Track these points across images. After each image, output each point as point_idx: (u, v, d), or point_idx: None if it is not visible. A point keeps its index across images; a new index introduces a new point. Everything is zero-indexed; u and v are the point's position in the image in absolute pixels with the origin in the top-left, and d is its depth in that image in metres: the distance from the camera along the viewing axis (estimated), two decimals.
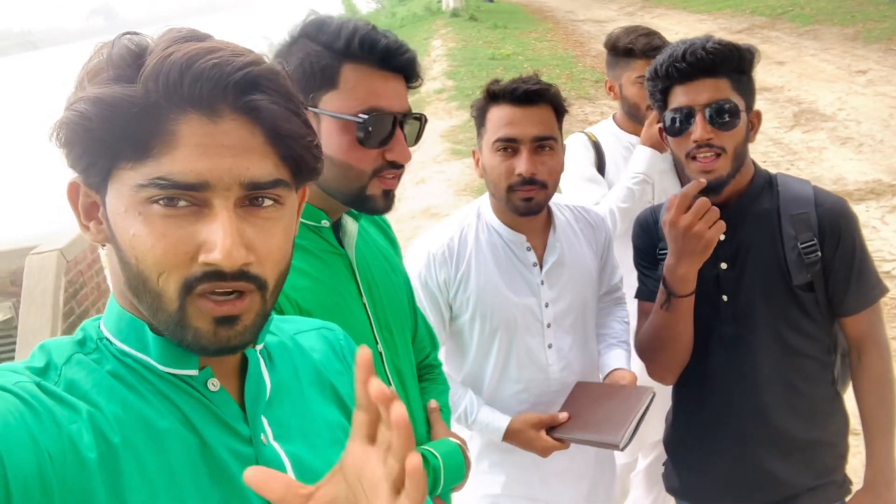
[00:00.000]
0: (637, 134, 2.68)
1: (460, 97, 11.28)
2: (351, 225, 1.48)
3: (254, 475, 0.70)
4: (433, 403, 1.67)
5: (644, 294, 2.07)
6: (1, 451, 0.68)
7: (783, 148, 7.84)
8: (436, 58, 15.36)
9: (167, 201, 0.77)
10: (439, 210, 6.97)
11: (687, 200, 1.67)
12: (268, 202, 0.82)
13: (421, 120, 1.43)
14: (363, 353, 0.71)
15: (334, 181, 1.37)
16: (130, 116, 0.75)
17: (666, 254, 1.92)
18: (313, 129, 0.87)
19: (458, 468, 1.55)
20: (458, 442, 1.60)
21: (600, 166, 2.67)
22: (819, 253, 1.75)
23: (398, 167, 1.38)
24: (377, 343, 1.48)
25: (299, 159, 0.85)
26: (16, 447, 0.69)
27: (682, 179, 2.69)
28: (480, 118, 1.93)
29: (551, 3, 27.06)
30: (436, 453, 1.51)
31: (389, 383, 1.49)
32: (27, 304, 5.62)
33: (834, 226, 1.76)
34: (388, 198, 1.41)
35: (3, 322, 6.14)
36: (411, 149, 1.42)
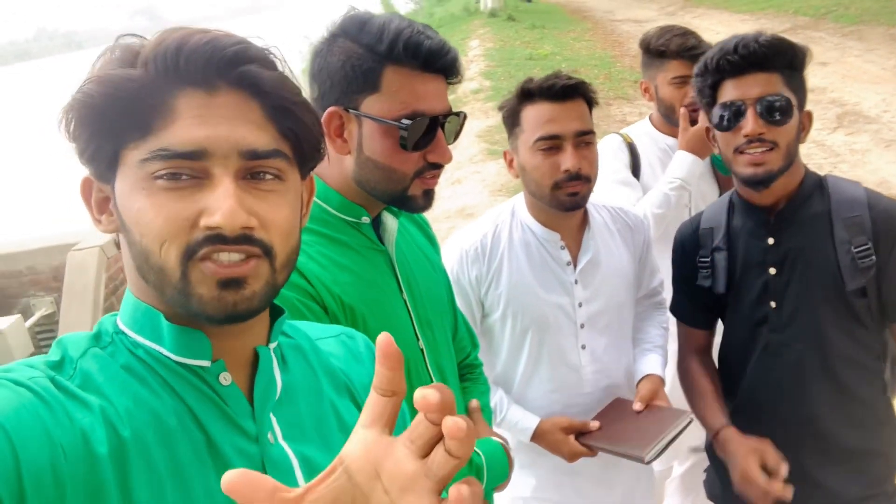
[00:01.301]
0: (674, 135, 2.63)
1: (497, 97, 11.24)
2: (391, 222, 1.47)
3: (231, 481, 0.59)
4: (474, 403, 1.65)
5: (678, 312, 2.05)
6: (15, 444, 0.69)
7: (826, 150, 7.70)
8: (473, 58, 15.34)
9: (170, 176, 0.79)
10: (475, 210, 6.96)
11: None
12: (269, 176, 0.84)
13: (460, 117, 1.42)
14: (385, 336, 0.64)
15: (377, 182, 1.37)
16: (131, 94, 0.78)
17: (707, 262, 1.88)
18: (312, 109, 0.88)
19: (501, 468, 1.54)
20: (501, 441, 1.59)
21: (635, 168, 2.64)
22: (874, 257, 1.69)
23: (439, 167, 1.38)
24: (418, 340, 1.47)
25: (299, 135, 0.86)
26: (30, 440, 0.70)
27: (720, 182, 2.64)
28: (513, 118, 1.90)
29: (590, 2, 26.90)
30: (480, 452, 1.50)
31: (431, 380, 1.48)
32: (68, 300, 5.72)
33: (889, 229, 1.70)
34: (429, 197, 1.40)
35: (44, 316, 6.26)
36: (450, 145, 1.41)
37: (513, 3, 24.88)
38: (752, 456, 1.73)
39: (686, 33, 2.62)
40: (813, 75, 10.43)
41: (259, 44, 0.85)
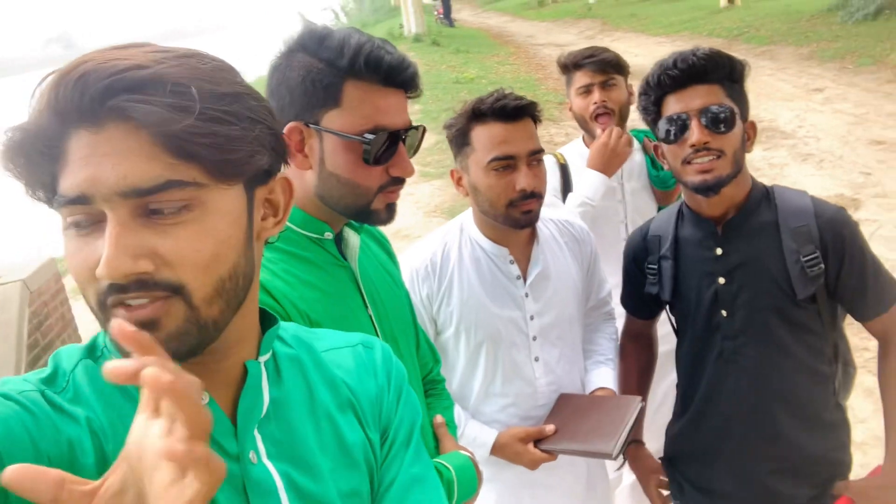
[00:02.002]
0: None
1: (426, 120, 11.32)
2: (353, 237, 1.46)
3: (8, 475, 0.57)
4: (439, 419, 1.64)
5: (627, 305, 2.12)
6: (2, 454, 0.69)
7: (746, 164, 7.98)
8: None
9: (75, 224, 0.78)
10: (410, 232, 6.96)
11: None
12: (170, 208, 0.77)
13: (419, 130, 1.42)
14: (126, 332, 0.63)
15: (340, 197, 1.36)
16: (33, 148, 0.77)
17: (654, 269, 1.93)
18: (229, 122, 0.79)
19: (470, 481, 1.54)
20: (469, 455, 1.58)
21: (566, 188, 2.67)
22: (822, 265, 1.74)
23: (401, 181, 1.38)
24: None
25: (203, 153, 0.77)
26: (16, 450, 0.70)
27: (657, 196, 2.70)
28: (462, 138, 1.90)
29: (512, 27, 27.40)
30: (449, 466, 1.49)
31: None
32: None
33: (837, 236, 1.74)
34: (391, 210, 1.40)
35: None
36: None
37: (436, 29, 25.14)
38: (651, 477, 2.08)
39: (591, 48, 2.70)
40: None
41: (150, 65, 0.76)
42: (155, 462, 0.58)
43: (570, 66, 2.66)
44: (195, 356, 0.81)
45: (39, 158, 0.77)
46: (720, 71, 1.73)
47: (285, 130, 1.32)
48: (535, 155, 1.87)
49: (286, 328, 1.02)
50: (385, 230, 1.66)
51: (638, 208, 2.68)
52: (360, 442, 0.98)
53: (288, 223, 1.37)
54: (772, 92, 10.97)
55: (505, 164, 1.84)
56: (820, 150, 8.09)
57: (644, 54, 15.61)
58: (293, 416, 0.93)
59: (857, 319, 1.86)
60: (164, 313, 0.77)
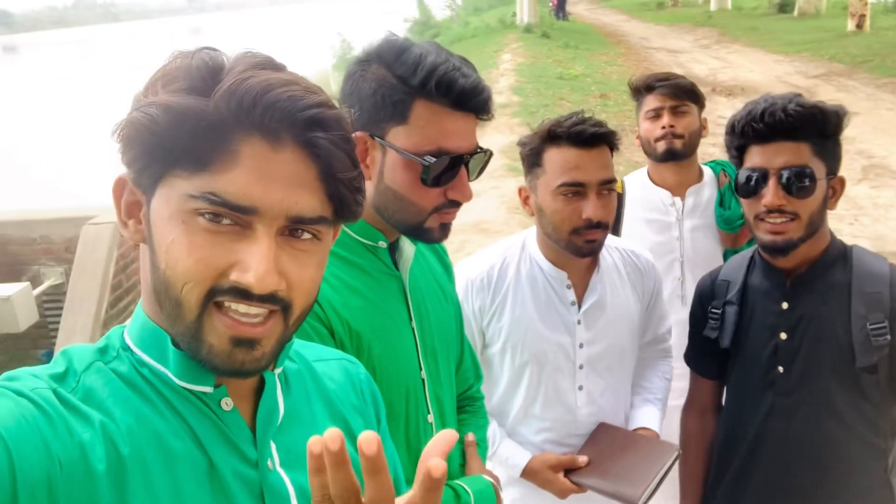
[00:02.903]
0: (668, 188, 2.57)
1: (524, 114, 11.26)
2: (408, 248, 1.47)
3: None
4: (470, 437, 1.64)
5: (689, 358, 2.05)
6: (13, 455, 0.68)
7: (849, 202, 7.64)
8: (504, 71, 15.37)
9: (213, 216, 0.78)
10: (490, 226, 6.95)
11: None
12: (307, 235, 0.83)
13: (486, 154, 1.40)
14: (370, 440, 0.65)
15: (394, 212, 1.37)
16: (197, 129, 0.77)
17: (717, 314, 1.87)
18: (361, 174, 0.87)
19: None
20: (492, 481, 1.57)
21: (617, 218, 2.58)
22: (888, 336, 1.66)
23: (458, 204, 1.37)
24: (421, 369, 1.47)
25: (344, 201, 0.85)
26: (28, 452, 0.70)
27: (722, 237, 2.58)
28: (535, 158, 1.88)
29: (626, 27, 26.93)
30: (468, 490, 1.48)
31: (429, 412, 1.48)
32: (78, 272, 5.74)
33: None
34: (445, 229, 1.40)
35: (53, 286, 6.29)
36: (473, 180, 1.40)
37: (549, 20, 24.92)
38: None
39: (666, 72, 2.62)
40: None
41: (335, 108, 0.84)
42: None
43: (641, 88, 2.57)
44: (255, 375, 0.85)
45: (201, 146, 0.77)
46: (810, 128, 1.65)
47: None
48: (607, 184, 1.83)
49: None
50: (465, 222, 1.65)
51: (698, 248, 2.56)
52: (352, 451, 1.00)
53: (346, 228, 1.40)
54: (888, 127, 10.47)
55: (574, 190, 1.81)
56: None
57: (759, 71, 15.12)
58: (300, 427, 0.96)
59: None
60: (268, 333, 0.82)
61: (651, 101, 2.54)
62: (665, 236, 2.54)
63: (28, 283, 6.09)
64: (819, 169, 1.67)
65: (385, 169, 1.34)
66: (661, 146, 2.52)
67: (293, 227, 0.82)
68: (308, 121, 0.80)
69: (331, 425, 0.99)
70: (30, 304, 6.00)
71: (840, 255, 1.76)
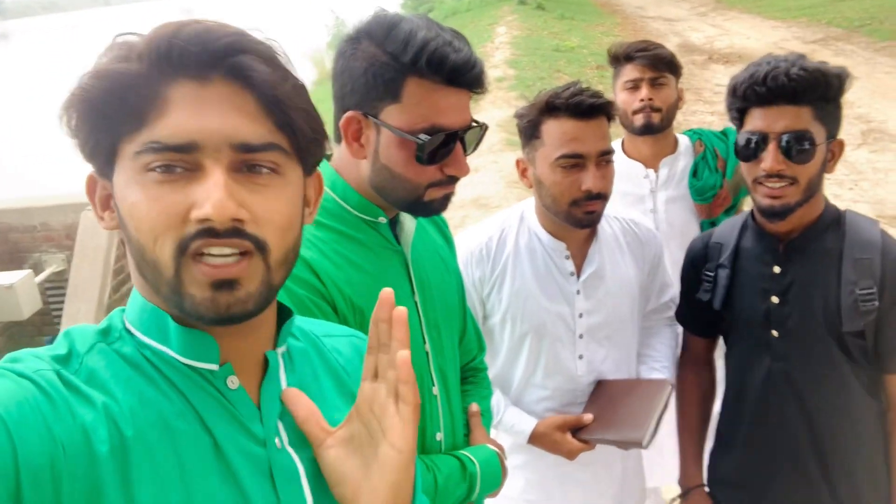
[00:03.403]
0: (642, 160, 2.56)
1: (521, 87, 11.20)
2: (409, 222, 1.47)
3: (289, 393, 0.91)
4: (474, 407, 1.65)
5: (681, 318, 2.09)
6: (14, 438, 0.68)
7: (848, 166, 7.64)
8: (499, 45, 15.26)
9: (163, 168, 0.78)
10: (489, 201, 6.94)
11: None
12: (265, 170, 0.82)
13: (481, 128, 1.40)
14: (388, 292, 0.87)
15: (392, 190, 1.37)
16: (126, 86, 0.78)
17: (710, 276, 1.89)
18: (312, 103, 0.87)
19: (494, 476, 1.55)
20: (496, 449, 1.59)
21: None
22: (876, 302, 1.66)
23: (455, 179, 1.37)
24: (425, 342, 1.48)
25: (296, 128, 0.84)
26: (30, 435, 0.69)
27: (698, 209, 2.56)
28: (533, 130, 1.87)
29: None
30: (474, 459, 1.51)
31: (433, 384, 1.49)
32: (79, 259, 5.75)
33: None
34: (445, 201, 1.40)
35: (55, 273, 6.31)
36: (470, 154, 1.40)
37: None
38: None
39: (645, 41, 2.57)
40: None
41: (256, 35, 0.83)
42: (384, 402, 0.87)
43: (620, 57, 2.53)
44: (254, 317, 0.84)
45: (131, 102, 0.78)
46: (812, 92, 1.64)
47: (343, 119, 1.34)
48: (605, 155, 1.83)
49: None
50: (464, 197, 1.66)
51: (672, 220, 2.54)
52: None
53: (345, 204, 1.40)
54: (887, 91, 10.42)
55: (573, 162, 1.81)
56: None
57: (756, 37, 15.02)
58: None
59: (883, 369, 1.76)
60: (247, 273, 0.80)
61: (630, 72, 2.51)
62: (638, 209, 2.50)
63: (30, 270, 6.10)
64: (819, 133, 1.66)
65: (380, 147, 1.34)
66: (638, 119, 2.49)
67: (246, 161, 0.81)
68: (227, 48, 0.80)
69: (340, 402, 1.00)
70: (32, 292, 6.02)
71: (833, 221, 1.76)
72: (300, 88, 0.86)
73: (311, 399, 0.96)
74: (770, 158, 1.65)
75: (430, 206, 1.39)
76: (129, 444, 0.77)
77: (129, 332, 0.86)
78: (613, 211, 2.07)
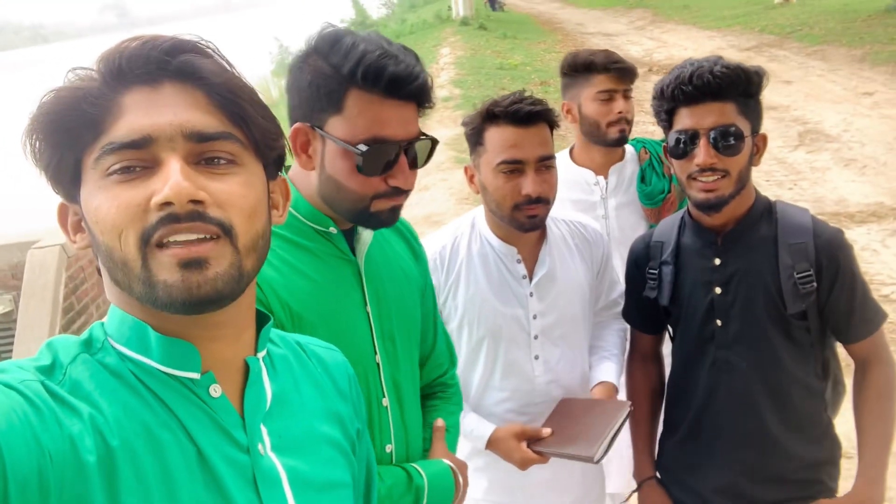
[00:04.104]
0: (591, 167, 2.59)
1: (467, 106, 11.29)
2: (366, 234, 1.48)
3: None
4: (439, 422, 1.64)
5: (628, 317, 2.14)
6: (2, 448, 0.68)
7: (787, 167, 7.86)
8: (444, 66, 15.39)
9: (122, 170, 0.80)
10: (441, 218, 6.98)
11: None
12: (222, 161, 0.84)
13: (426, 141, 1.40)
14: None
15: (339, 201, 1.38)
16: (83, 100, 0.81)
17: (654, 274, 1.94)
18: (259, 98, 0.90)
19: (445, 490, 1.53)
20: (452, 465, 1.58)
21: None
22: (814, 284, 1.75)
23: (401, 191, 1.38)
24: (376, 353, 1.47)
25: (249, 118, 0.87)
26: (17, 445, 0.69)
27: (646, 213, 2.61)
28: (476, 137, 1.92)
29: (562, 14, 27.14)
30: (422, 472, 1.50)
31: (384, 395, 1.48)
32: (27, 298, 5.63)
33: (832, 258, 1.76)
34: (394, 213, 1.41)
35: (2, 315, 6.16)
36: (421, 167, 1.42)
37: (484, 12, 25.01)
38: None
39: (608, 51, 2.60)
40: (776, 93, 10.68)
41: (193, 38, 0.87)
42: None
43: (594, 66, 2.53)
44: (231, 302, 0.84)
45: (89, 113, 0.80)
46: (735, 88, 1.72)
47: (292, 130, 1.36)
48: (545, 161, 1.87)
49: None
50: (415, 215, 1.67)
51: (623, 226, 2.59)
52: (333, 438, 1.02)
53: (296, 213, 1.41)
54: (820, 93, 10.75)
55: (513, 167, 1.86)
56: (864, 156, 7.93)
57: (693, 48, 15.38)
58: (289, 411, 0.97)
59: (840, 341, 1.88)
60: (214, 253, 0.81)
61: (603, 82, 2.51)
62: (590, 216, 2.49)
63: None
64: (745, 127, 1.74)
65: (325, 159, 1.36)
66: (613, 132, 2.52)
67: (202, 151, 0.83)
68: (172, 50, 0.83)
69: (321, 409, 1.01)
70: None
71: (765, 210, 1.84)
72: (248, 85, 0.89)
73: (292, 405, 0.97)
74: (702, 153, 1.72)
75: (377, 218, 1.39)
76: (115, 454, 0.77)
77: (110, 344, 0.85)
78: (561, 214, 2.12)
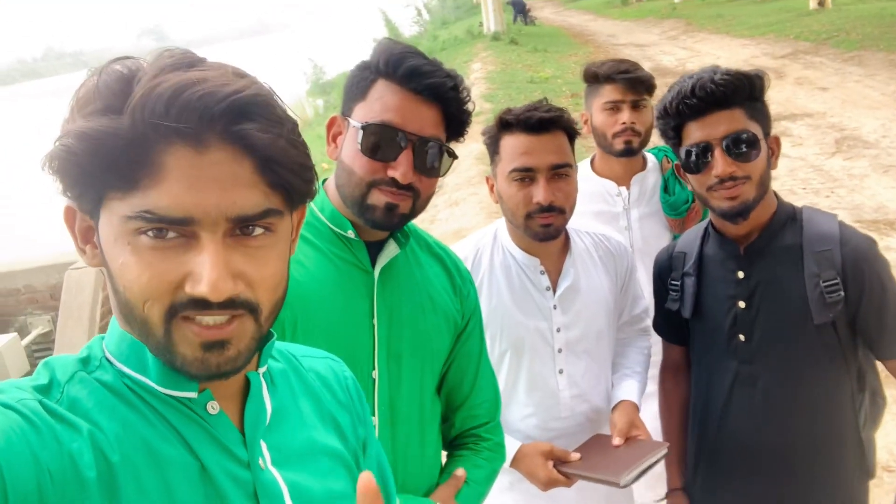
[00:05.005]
0: (614, 178, 2.55)
1: None
2: (391, 247, 1.49)
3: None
4: (460, 471, 1.59)
5: (657, 328, 2.09)
6: (2, 467, 0.68)
7: (823, 175, 7.72)
8: (475, 80, 15.43)
9: (155, 232, 0.77)
10: (470, 233, 6.96)
11: None
12: (258, 231, 0.81)
13: (443, 151, 1.41)
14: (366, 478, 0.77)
15: (343, 185, 1.43)
16: (116, 149, 0.75)
17: (676, 286, 1.90)
18: (305, 152, 0.85)
19: None
20: None
21: None
22: (842, 293, 1.68)
23: (400, 186, 1.38)
24: (374, 368, 1.45)
25: (290, 186, 0.83)
26: (17, 463, 0.69)
27: (669, 223, 2.57)
28: (493, 146, 1.91)
29: (593, 26, 27.12)
30: None
31: (374, 413, 1.44)
32: (65, 318, 5.72)
33: (857, 268, 1.68)
34: (391, 212, 1.39)
35: (41, 335, 6.26)
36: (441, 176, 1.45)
37: (516, 27, 25.09)
38: None
39: (624, 61, 2.55)
40: (812, 100, 10.53)
41: (253, 91, 0.79)
42: None
43: (599, 76, 2.50)
44: (235, 375, 0.84)
45: (125, 166, 0.75)
46: (741, 93, 1.68)
47: (328, 121, 1.46)
48: (559, 169, 1.84)
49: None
50: (445, 230, 1.67)
51: (647, 237, 2.54)
52: (334, 450, 1.01)
53: (320, 215, 1.46)
54: (858, 99, 10.57)
55: (524, 175, 1.84)
56: None
57: (726, 56, 15.24)
58: (289, 425, 0.96)
59: (874, 356, 1.78)
60: (238, 333, 0.81)
61: (610, 93, 2.48)
62: (613, 227, 2.47)
63: (16, 333, 6.06)
64: (757, 130, 1.70)
65: (344, 143, 1.42)
66: (618, 143, 2.48)
67: (243, 227, 0.80)
68: (226, 113, 0.76)
69: (319, 423, 1.00)
70: (19, 355, 5.97)
71: (789, 218, 1.78)
72: (294, 138, 0.83)
73: (290, 419, 0.97)
74: (720, 164, 1.67)
75: (371, 211, 1.39)
76: (116, 469, 0.77)
77: (108, 360, 0.85)
78: (584, 227, 2.09)
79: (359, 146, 1.37)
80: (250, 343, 0.83)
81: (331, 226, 1.45)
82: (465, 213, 7.59)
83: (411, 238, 1.55)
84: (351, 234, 1.45)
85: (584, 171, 2.62)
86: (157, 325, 0.78)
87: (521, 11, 29.61)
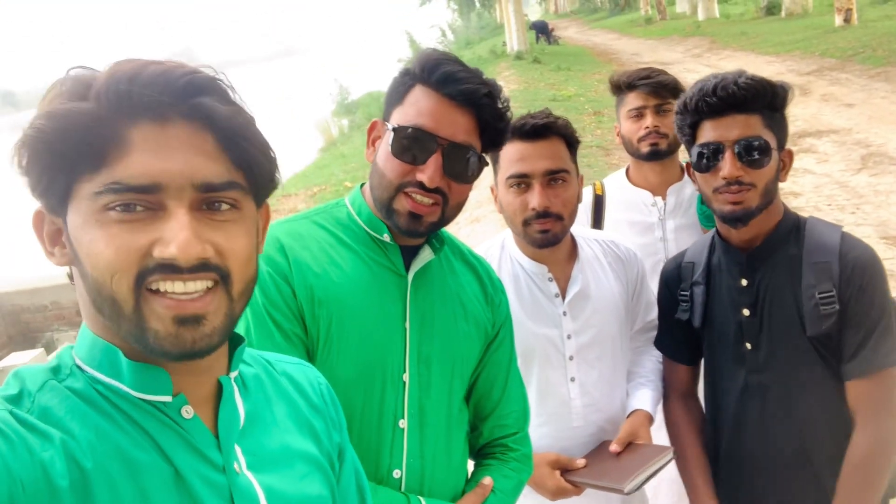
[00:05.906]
0: (649, 188, 2.53)
1: None
2: (425, 253, 1.51)
3: None
4: (487, 479, 1.58)
5: (662, 345, 2.06)
6: None
7: (849, 191, 7.62)
8: None
9: (123, 207, 0.79)
10: None
11: None
12: (224, 206, 0.84)
13: (471, 155, 1.42)
14: None
15: (375, 187, 1.46)
16: (84, 127, 0.78)
17: (686, 296, 1.89)
18: (266, 141, 0.89)
19: None
20: None
21: (597, 219, 2.56)
22: (836, 306, 1.66)
23: (427, 190, 1.39)
24: (405, 371, 1.46)
25: (252, 161, 0.86)
26: None
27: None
28: (495, 156, 1.92)
29: (617, 45, 27.13)
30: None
31: (403, 416, 1.46)
32: None
33: (853, 278, 1.66)
34: (415, 220, 1.41)
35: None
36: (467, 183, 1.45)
37: (539, 46, 25.17)
38: None
39: (647, 68, 2.56)
40: (838, 116, 10.44)
41: (209, 73, 0.85)
42: None
43: (622, 86, 2.53)
44: (210, 354, 0.85)
45: (89, 142, 0.78)
46: (761, 100, 1.68)
47: (368, 125, 1.49)
48: (554, 175, 1.85)
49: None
50: (472, 243, 1.70)
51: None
52: (309, 454, 1.01)
53: (357, 218, 1.49)
54: (885, 115, 10.44)
55: (519, 181, 1.86)
56: None
57: (752, 73, 15.16)
58: (263, 429, 0.97)
59: (843, 377, 1.71)
60: (212, 308, 0.82)
61: (633, 100, 2.50)
62: (648, 238, 2.49)
63: (42, 349, 6.15)
64: (771, 140, 1.69)
65: (380, 146, 1.45)
66: (644, 146, 2.48)
67: (207, 200, 0.82)
68: (186, 89, 0.81)
69: (294, 427, 1.01)
70: None
71: (793, 228, 1.77)
72: (252, 121, 0.88)
73: (265, 423, 0.97)
74: (728, 166, 1.67)
75: (398, 217, 1.42)
76: (89, 477, 0.77)
77: (79, 368, 0.85)
78: (592, 234, 2.09)
79: (390, 148, 1.40)
80: (224, 320, 0.84)
81: (367, 229, 1.48)
82: (487, 230, 7.59)
83: (445, 246, 1.58)
84: (386, 237, 1.47)
85: (619, 180, 2.63)
86: (126, 299, 0.79)
87: (544, 31, 29.76)
